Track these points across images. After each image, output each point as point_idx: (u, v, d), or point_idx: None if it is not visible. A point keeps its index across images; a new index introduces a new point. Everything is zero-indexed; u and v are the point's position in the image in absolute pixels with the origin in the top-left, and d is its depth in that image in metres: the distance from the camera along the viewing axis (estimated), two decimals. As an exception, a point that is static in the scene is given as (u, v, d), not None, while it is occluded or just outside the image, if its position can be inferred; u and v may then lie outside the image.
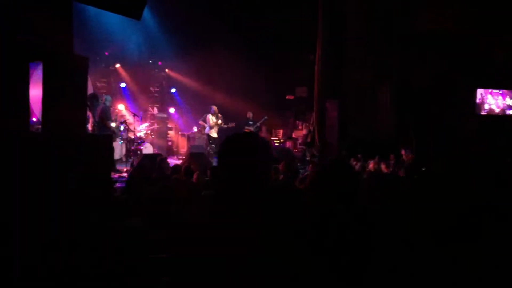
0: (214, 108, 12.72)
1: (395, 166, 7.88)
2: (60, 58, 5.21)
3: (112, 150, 9.79)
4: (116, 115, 12.34)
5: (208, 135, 12.68)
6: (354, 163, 9.12)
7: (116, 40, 14.20)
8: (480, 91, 13.16)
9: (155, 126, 14.18)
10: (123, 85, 15.32)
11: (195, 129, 14.80)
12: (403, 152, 10.10)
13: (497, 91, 13.19)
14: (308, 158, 12.64)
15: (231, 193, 1.72)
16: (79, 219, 3.15)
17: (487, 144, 11.07)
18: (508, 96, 13.22)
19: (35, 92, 6.08)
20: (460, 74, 12.28)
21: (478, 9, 11.89)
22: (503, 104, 13.24)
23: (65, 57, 5.39)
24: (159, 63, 16.43)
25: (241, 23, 14.90)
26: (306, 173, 7.11)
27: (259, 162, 1.74)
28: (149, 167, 7.36)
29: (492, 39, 12.31)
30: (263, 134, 15.60)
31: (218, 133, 12.91)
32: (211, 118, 12.63)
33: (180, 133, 15.58)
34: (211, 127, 12.60)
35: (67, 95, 5.62)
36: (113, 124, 10.93)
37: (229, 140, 1.81)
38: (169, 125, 15.20)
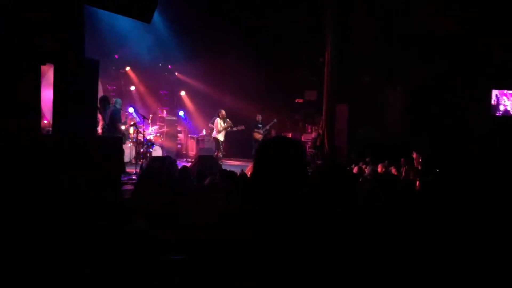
0: (222, 112, 12.73)
1: (406, 169, 7.82)
2: (71, 61, 5.26)
3: (122, 152, 9.85)
4: (126, 117, 12.40)
5: (216, 139, 12.70)
6: (363, 166, 9.08)
7: (126, 43, 14.31)
8: (495, 92, 13.02)
9: (165, 128, 14.23)
10: (133, 88, 15.41)
11: (204, 132, 14.84)
12: (414, 155, 10.03)
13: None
14: (318, 162, 12.62)
15: (267, 199, 1.72)
16: (87, 221, 3.16)
17: (502, 145, 10.92)
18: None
19: (46, 94, 6.14)
20: (474, 75, 12.18)
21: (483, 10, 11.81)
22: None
23: (76, 60, 5.43)
24: (169, 66, 16.51)
25: (250, 26, 14.93)
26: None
27: (296, 167, 1.75)
28: (159, 170, 7.35)
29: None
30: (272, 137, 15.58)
31: (226, 135, 12.93)
32: (219, 122, 12.64)
33: (189, 136, 15.63)
34: (219, 131, 12.62)
35: (78, 97, 5.66)
36: (123, 127, 10.99)
37: (266, 144, 1.81)
38: (178, 128, 15.25)
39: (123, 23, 12.61)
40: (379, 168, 8.14)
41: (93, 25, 11.50)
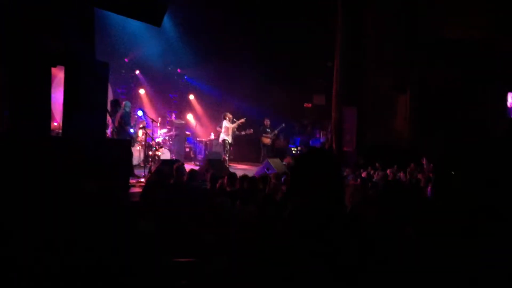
0: (228, 115, 12.74)
1: (415, 174, 7.77)
2: (82, 63, 5.29)
3: (130, 155, 9.90)
4: (136, 120, 12.46)
5: (224, 141, 12.70)
6: (372, 171, 9.04)
7: (136, 47, 14.39)
8: (511, 95, 12.90)
9: (173, 132, 14.26)
10: (142, 91, 15.49)
11: (212, 135, 14.86)
12: (424, 161, 9.95)
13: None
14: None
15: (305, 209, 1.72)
16: (95, 222, 3.18)
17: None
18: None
19: (56, 97, 6.18)
20: (489, 78, 12.08)
21: (498, 14, 11.73)
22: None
23: (86, 63, 5.47)
24: (178, 70, 16.58)
25: (259, 31, 14.96)
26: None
27: (334, 181, 1.75)
28: (167, 173, 7.38)
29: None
30: (281, 142, 15.59)
31: (235, 139, 12.94)
32: (226, 124, 12.65)
33: (197, 139, 15.66)
34: (228, 132, 12.62)
35: (88, 100, 5.70)
36: (132, 130, 11.03)
37: (304, 157, 1.82)
38: (187, 132, 15.28)
39: (133, 27, 12.69)
40: (388, 173, 8.10)
41: (103, 28, 11.58)
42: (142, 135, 11.62)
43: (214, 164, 9.44)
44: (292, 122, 15.98)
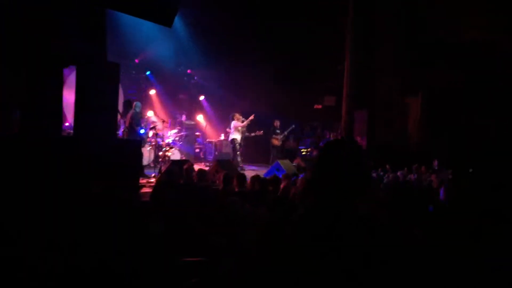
0: (237, 115, 12.74)
1: (426, 177, 7.71)
2: (93, 64, 5.32)
3: (140, 155, 9.93)
4: (146, 121, 12.50)
5: (233, 140, 12.69)
6: (382, 173, 8.98)
7: (147, 47, 14.45)
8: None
9: (183, 132, 14.30)
10: (152, 92, 15.55)
11: (222, 136, 14.87)
12: (435, 163, 9.88)
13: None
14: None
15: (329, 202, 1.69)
16: (105, 221, 3.19)
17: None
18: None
19: (68, 97, 6.22)
20: (499, 80, 11.96)
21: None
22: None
23: (98, 63, 5.50)
24: (188, 71, 16.62)
25: (270, 32, 14.95)
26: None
27: (359, 170, 1.72)
28: (177, 173, 7.39)
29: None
30: (291, 143, 15.56)
31: (244, 140, 12.93)
32: (235, 123, 12.65)
33: (207, 140, 15.69)
34: (235, 131, 12.61)
35: (99, 100, 5.73)
36: (142, 131, 11.07)
37: (329, 146, 1.79)
38: (197, 132, 15.31)
39: (144, 27, 12.73)
40: (398, 175, 8.05)
41: (114, 29, 11.64)
42: (153, 135, 11.66)
43: (223, 165, 9.44)
44: (302, 124, 15.94)
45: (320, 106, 16.91)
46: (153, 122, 12.64)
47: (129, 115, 10.27)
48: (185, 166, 8.00)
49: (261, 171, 10.83)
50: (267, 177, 6.95)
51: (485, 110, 12.03)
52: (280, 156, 13.05)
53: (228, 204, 4.35)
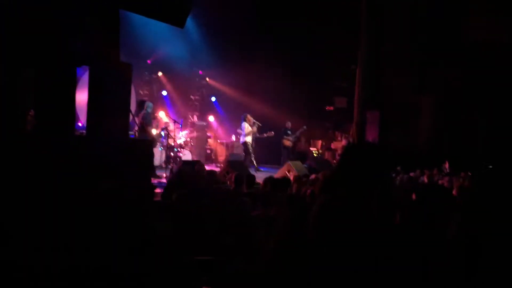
0: (248, 116, 12.74)
1: (439, 178, 7.64)
2: (106, 64, 5.36)
3: (152, 155, 9.97)
4: (158, 122, 12.56)
5: (244, 143, 12.70)
6: (393, 175, 8.90)
7: (159, 48, 14.52)
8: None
9: (195, 133, 14.33)
10: (164, 93, 15.62)
11: (233, 137, 14.89)
12: (446, 165, 9.79)
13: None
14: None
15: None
16: (115, 220, 3.19)
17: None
18: None
19: (81, 98, 6.27)
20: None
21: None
22: None
23: (111, 63, 5.54)
24: (200, 72, 16.67)
25: (281, 33, 14.94)
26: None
27: (382, 174, 1.72)
28: (188, 174, 7.41)
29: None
30: (302, 144, 15.51)
31: (256, 141, 12.93)
32: (246, 126, 12.66)
33: (219, 141, 15.71)
34: (246, 135, 12.63)
35: (112, 100, 5.76)
36: (154, 131, 11.11)
37: (350, 149, 1.80)
38: (208, 133, 15.35)
39: (156, 28, 12.79)
40: (411, 176, 7.98)
41: (127, 30, 11.71)
42: (164, 136, 11.70)
43: (234, 165, 9.45)
44: (313, 125, 15.90)
45: (331, 108, 16.84)
46: (165, 122, 12.70)
47: (140, 116, 10.33)
48: (196, 167, 8.03)
49: (272, 172, 10.82)
50: (278, 178, 6.94)
51: (498, 111, 11.89)
52: (291, 158, 13.02)
53: (238, 204, 4.35)
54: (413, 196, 5.27)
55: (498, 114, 11.93)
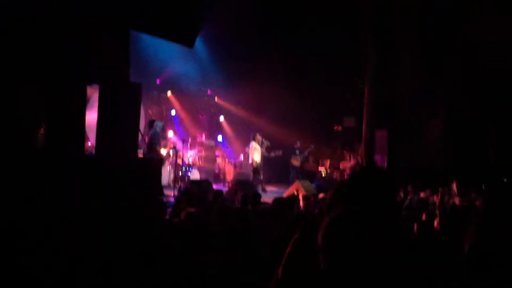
0: (258, 136, 12.71)
1: (449, 198, 7.55)
2: (116, 83, 5.42)
3: (160, 174, 9.99)
4: (167, 141, 12.61)
5: (255, 163, 12.67)
6: (403, 195, 8.82)
7: (168, 68, 14.67)
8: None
9: (203, 153, 14.36)
10: (173, 112, 15.71)
11: (242, 157, 14.88)
12: (454, 185, 9.69)
13: None
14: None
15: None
16: (126, 237, 3.19)
17: None
18: None
19: (91, 118, 6.32)
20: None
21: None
22: None
23: (121, 83, 5.60)
24: (209, 92, 16.78)
25: (289, 52, 15.05)
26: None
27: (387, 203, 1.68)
28: (196, 193, 7.42)
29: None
30: (310, 164, 15.47)
31: (264, 161, 12.90)
32: (255, 146, 12.61)
33: (227, 160, 15.72)
34: (254, 154, 12.58)
35: (121, 119, 5.81)
36: (163, 151, 11.14)
37: (356, 175, 1.76)
38: (216, 153, 15.37)
39: (165, 48, 12.94)
40: (422, 197, 7.90)
41: (137, 49, 11.86)
42: (172, 155, 11.74)
43: (242, 185, 9.43)
44: (322, 144, 15.87)
45: (339, 128, 16.81)
46: (173, 142, 12.75)
47: (149, 134, 10.38)
48: (203, 186, 8.03)
49: (281, 192, 10.77)
50: (286, 197, 6.93)
51: (508, 131, 11.80)
52: (299, 177, 12.97)
53: (245, 223, 4.33)
54: (423, 216, 5.23)
55: (507, 134, 11.83)
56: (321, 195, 6.90)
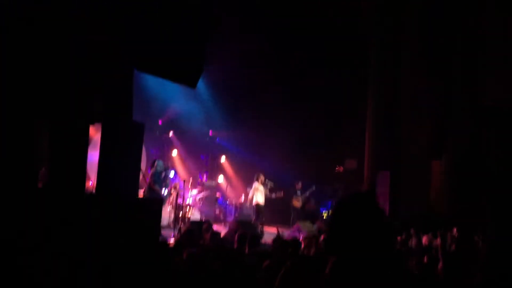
0: (261, 177, 12.64)
1: (451, 242, 7.45)
2: (119, 122, 5.45)
3: (160, 215, 9.88)
4: (168, 181, 12.58)
5: (257, 205, 12.53)
6: (403, 237, 8.71)
7: (170, 108, 14.84)
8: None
9: (204, 193, 14.30)
10: (174, 152, 15.75)
11: (243, 197, 14.80)
12: (454, 230, 9.56)
13: None
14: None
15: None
16: (126, 278, 3.14)
17: None
18: None
19: (92, 157, 6.34)
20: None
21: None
22: None
23: (124, 122, 5.64)
24: (210, 133, 16.89)
25: (291, 95, 15.26)
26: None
27: (380, 231, 1.61)
28: (197, 234, 7.35)
29: None
30: (311, 205, 15.36)
31: (265, 202, 12.79)
32: (258, 187, 12.50)
33: (228, 201, 15.62)
34: (255, 194, 12.45)
35: (123, 159, 5.81)
36: (165, 192, 11.08)
37: (343, 203, 1.67)
38: (217, 193, 15.30)
39: (168, 88, 13.11)
40: (424, 240, 7.81)
41: (140, 89, 11.99)
42: (173, 195, 11.68)
43: (244, 225, 9.36)
44: (323, 186, 15.81)
45: (341, 169, 16.79)
46: (174, 182, 12.71)
47: (150, 174, 10.37)
48: (204, 227, 7.96)
49: (282, 233, 10.63)
50: (287, 239, 6.85)
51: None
52: (300, 218, 12.85)
53: (241, 265, 4.27)
54: (425, 259, 5.15)
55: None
56: (322, 237, 6.80)
